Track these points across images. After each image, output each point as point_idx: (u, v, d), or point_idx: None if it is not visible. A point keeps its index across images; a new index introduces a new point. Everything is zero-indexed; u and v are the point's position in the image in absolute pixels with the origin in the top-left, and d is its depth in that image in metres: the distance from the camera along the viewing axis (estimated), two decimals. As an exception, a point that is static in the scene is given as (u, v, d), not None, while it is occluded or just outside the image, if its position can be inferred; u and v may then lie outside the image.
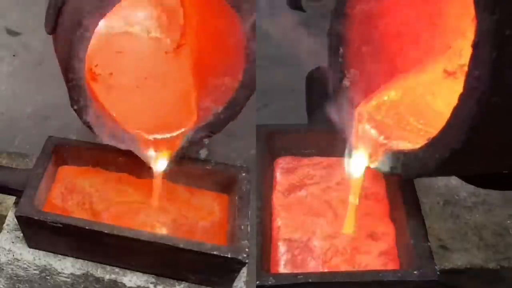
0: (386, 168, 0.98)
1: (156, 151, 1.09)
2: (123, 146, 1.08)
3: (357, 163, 1.03)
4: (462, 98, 0.79)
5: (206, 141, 1.50)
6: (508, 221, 1.31)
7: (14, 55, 1.67)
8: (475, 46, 0.76)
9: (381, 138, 0.99)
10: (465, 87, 0.78)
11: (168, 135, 1.09)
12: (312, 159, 1.17)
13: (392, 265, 1.00)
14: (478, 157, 0.86)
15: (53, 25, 1.04)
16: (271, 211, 1.09)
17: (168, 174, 1.15)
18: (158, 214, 1.11)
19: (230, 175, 1.14)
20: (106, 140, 1.06)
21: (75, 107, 1.01)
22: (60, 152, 1.14)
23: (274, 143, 1.18)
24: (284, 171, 1.15)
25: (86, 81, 1.02)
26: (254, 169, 1.12)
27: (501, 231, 1.29)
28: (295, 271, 1.00)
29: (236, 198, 1.10)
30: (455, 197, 1.36)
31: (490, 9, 0.73)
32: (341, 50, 1.06)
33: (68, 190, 1.12)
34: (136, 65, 1.18)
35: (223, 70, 1.10)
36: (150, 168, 1.13)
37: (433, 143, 0.86)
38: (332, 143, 1.17)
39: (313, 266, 1.01)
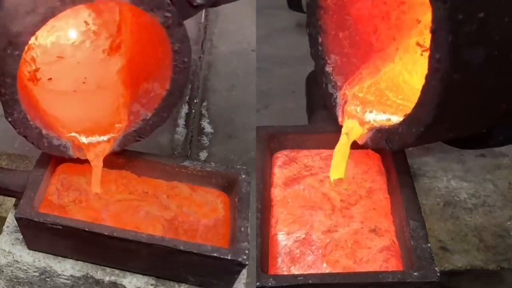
0: (372, 144, 1.06)
1: (88, 155, 1.11)
2: (57, 153, 1.09)
3: (345, 138, 1.09)
4: (428, 78, 0.88)
5: (206, 143, 1.51)
6: (508, 223, 1.31)
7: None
8: (433, 32, 0.84)
9: (365, 116, 1.07)
10: (429, 69, 0.87)
11: (99, 139, 1.11)
12: (311, 150, 1.18)
13: (394, 260, 1.00)
14: (450, 126, 0.95)
15: None
16: (270, 208, 1.09)
17: (168, 176, 1.15)
18: (159, 211, 1.10)
19: (230, 177, 1.14)
20: (43, 149, 1.08)
21: (9, 119, 1.03)
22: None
23: (274, 144, 1.18)
24: (282, 164, 1.16)
25: (25, 85, 1.04)
26: (254, 170, 1.12)
27: (501, 233, 1.29)
28: (294, 266, 1.01)
29: (236, 199, 1.10)
30: (455, 198, 1.36)
31: None
32: (320, 39, 1.13)
33: (64, 187, 1.12)
34: (75, 70, 1.20)
35: (152, 75, 1.12)
36: (149, 166, 1.15)
37: (409, 119, 0.95)
38: (333, 144, 1.17)
39: (312, 260, 1.01)
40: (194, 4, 1.04)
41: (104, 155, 1.12)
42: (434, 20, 0.83)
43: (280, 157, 1.17)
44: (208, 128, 1.56)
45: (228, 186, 1.14)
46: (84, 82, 1.18)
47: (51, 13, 0.95)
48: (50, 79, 1.18)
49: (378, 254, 1.01)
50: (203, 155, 1.50)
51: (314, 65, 1.18)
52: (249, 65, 1.71)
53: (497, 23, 0.82)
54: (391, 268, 0.99)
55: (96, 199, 1.11)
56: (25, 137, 1.05)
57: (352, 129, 1.08)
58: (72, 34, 1.21)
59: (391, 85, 1.09)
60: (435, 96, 0.87)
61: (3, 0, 0.99)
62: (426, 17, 1.03)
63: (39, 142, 1.07)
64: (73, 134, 1.10)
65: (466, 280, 1.23)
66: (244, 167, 1.15)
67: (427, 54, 1.02)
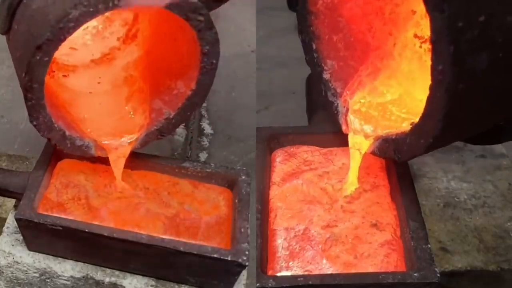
0: (380, 153, 1.03)
1: (110, 156, 1.10)
2: (79, 153, 1.09)
3: (354, 148, 1.07)
4: (432, 89, 0.84)
5: (206, 144, 1.51)
6: (509, 224, 1.31)
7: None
8: (433, 43, 0.80)
9: (369, 129, 1.04)
10: (432, 80, 0.83)
11: (121, 141, 1.10)
12: (311, 146, 1.18)
13: (395, 255, 1.00)
14: (459, 132, 0.94)
15: (7, 26, 1.02)
16: (269, 205, 1.09)
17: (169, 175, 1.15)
18: (159, 209, 1.10)
19: (230, 177, 1.14)
20: (66, 150, 1.07)
21: (34, 123, 1.01)
22: (60, 154, 1.13)
23: (274, 145, 1.18)
24: (282, 160, 1.16)
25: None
26: (254, 171, 1.12)
27: (501, 234, 1.28)
28: (293, 261, 1.01)
29: (236, 200, 1.10)
30: (455, 199, 1.36)
31: (439, 7, 0.77)
32: (314, 45, 1.10)
33: (63, 184, 1.11)
34: (89, 66, 1.17)
35: (175, 72, 1.10)
36: (148, 163, 1.14)
37: (417, 130, 0.92)
38: (333, 145, 1.17)
39: (312, 255, 1.01)
40: None
41: (126, 156, 1.11)
42: (433, 30, 0.79)
43: (280, 153, 1.17)
44: (208, 129, 1.56)
45: (228, 187, 1.14)
46: (99, 83, 1.16)
47: (84, 19, 0.92)
48: (65, 76, 1.16)
49: (379, 249, 1.01)
50: (203, 156, 1.50)
51: (310, 72, 1.14)
52: (249, 66, 1.71)
53: (500, 24, 0.79)
54: (392, 263, 0.99)
55: (95, 196, 1.10)
56: (49, 139, 1.04)
57: (361, 144, 1.05)
58: None
59: (393, 97, 1.06)
60: (441, 108, 0.84)
61: (31, 4, 0.96)
62: (421, 6, 1.00)
63: (62, 144, 1.06)
64: (94, 138, 1.09)
65: (466, 281, 1.23)
66: (244, 168, 1.15)
67: (425, 46, 1.00)
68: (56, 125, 1.03)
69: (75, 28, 0.93)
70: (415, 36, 1.03)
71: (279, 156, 1.16)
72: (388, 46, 1.07)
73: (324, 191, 1.10)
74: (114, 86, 1.16)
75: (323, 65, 1.11)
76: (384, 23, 1.08)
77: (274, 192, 1.10)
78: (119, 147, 1.10)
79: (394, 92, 1.06)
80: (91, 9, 0.91)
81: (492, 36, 0.79)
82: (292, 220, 1.06)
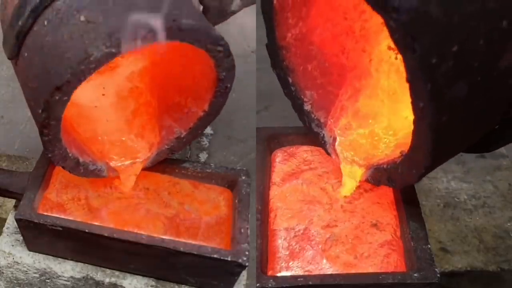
0: (373, 182, 1.02)
1: (121, 176, 1.10)
2: (91, 177, 1.08)
3: (349, 177, 1.07)
4: (416, 124, 0.83)
5: (205, 144, 1.50)
6: (509, 224, 1.31)
7: (14, 58, 1.67)
8: (409, 82, 0.78)
9: (359, 160, 1.03)
10: (414, 115, 0.82)
11: (132, 162, 1.09)
12: (311, 146, 1.17)
13: (395, 255, 1.00)
14: (450, 153, 0.93)
15: (16, 53, 0.99)
16: (269, 205, 1.09)
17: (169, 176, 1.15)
18: (159, 209, 1.10)
19: (230, 178, 1.14)
20: (79, 175, 1.06)
21: (50, 155, 1.00)
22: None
23: (274, 145, 1.18)
24: (282, 160, 1.16)
25: None
26: (254, 171, 1.12)
27: (501, 234, 1.29)
28: (293, 261, 1.01)
29: (236, 201, 1.10)
30: (455, 199, 1.36)
31: (410, 47, 0.75)
32: (289, 79, 1.08)
33: (63, 184, 1.11)
34: (91, 77, 1.12)
35: (185, 89, 1.08)
36: (149, 168, 1.14)
37: (407, 161, 0.91)
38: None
39: (312, 255, 1.01)
40: (228, 11, 1.01)
41: (137, 174, 1.11)
42: (407, 69, 0.77)
43: (280, 153, 1.17)
44: (208, 129, 1.55)
45: (228, 187, 1.14)
46: (103, 94, 1.10)
47: (106, 60, 0.88)
48: None
49: (379, 249, 1.01)
50: (203, 156, 1.50)
51: (291, 104, 1.12)
52: (249, 66, 1.71)
53: (473, 49, 0.77)
54: (392, 264, 0.99)
55: (95, 196, 1.10)
56: (63, 167, 1.03)
57: (355, 173, 1.04)
58: None
59: (378, 119, 1.04)
60: (428, 142, 0.83)
61: (44, 35, 0.93)
62: None
63: (76, 170, 1.04)
64: (105, 161, 1.08)
65: (466, 281, 1.23)
66: (244, 168, 1.15)
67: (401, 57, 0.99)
68: (70, 154, 1.02)
69: (96, 69, 0.89)
70: (389, 48, 0.99)
71: (279, 156, 1.16)
72: (364, 63, 1.04)
73: (324, 191, 1.10)
74: (120, 98, 1.11)
75: (302, 97, 1.09)
76: (356, 41, 1.05)
77: (274, 192, 1.10)
78: (130, 167, 1.10)
79: (377, 112, 1.03)
80: (113, 50, 0.87)
81: (467, 63, 0.77)
82: (292, 220, 1.06)
